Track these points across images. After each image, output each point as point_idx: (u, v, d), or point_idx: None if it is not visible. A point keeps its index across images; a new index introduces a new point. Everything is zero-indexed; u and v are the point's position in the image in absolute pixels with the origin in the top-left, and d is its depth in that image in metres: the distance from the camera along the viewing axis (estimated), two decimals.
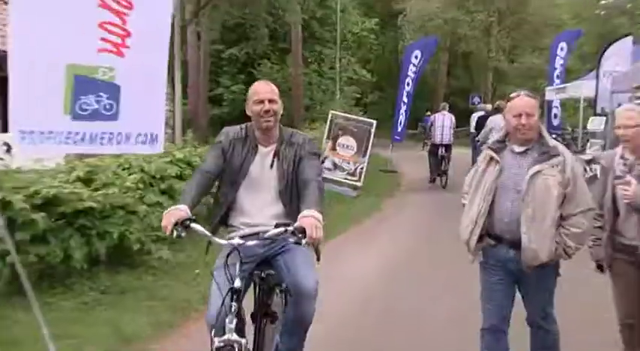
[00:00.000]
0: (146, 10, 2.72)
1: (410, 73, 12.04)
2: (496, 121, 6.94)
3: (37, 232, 2.99)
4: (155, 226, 3.69)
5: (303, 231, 1.59)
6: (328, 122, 9.10)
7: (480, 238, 2.11)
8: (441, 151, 9.94)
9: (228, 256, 1.73)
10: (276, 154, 1.99)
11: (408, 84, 12.12)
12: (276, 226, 1.75)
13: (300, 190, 1.92)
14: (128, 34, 2.57)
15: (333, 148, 8.95)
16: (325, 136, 9.02)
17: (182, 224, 1.64)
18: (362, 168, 8.90)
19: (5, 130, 2.70)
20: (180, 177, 4.64)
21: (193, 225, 1.68)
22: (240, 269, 1.74)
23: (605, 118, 8.88)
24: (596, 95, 9.68)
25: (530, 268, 2.02)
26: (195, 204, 1.83)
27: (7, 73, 2.20)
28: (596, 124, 9.42)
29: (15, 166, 3.62)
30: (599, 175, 2.53)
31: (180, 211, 1.70)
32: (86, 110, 2.47)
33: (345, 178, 8.88)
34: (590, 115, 10.22)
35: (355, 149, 8.89)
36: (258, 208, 1.97)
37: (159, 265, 4.04)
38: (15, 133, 2.28)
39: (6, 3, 4.88)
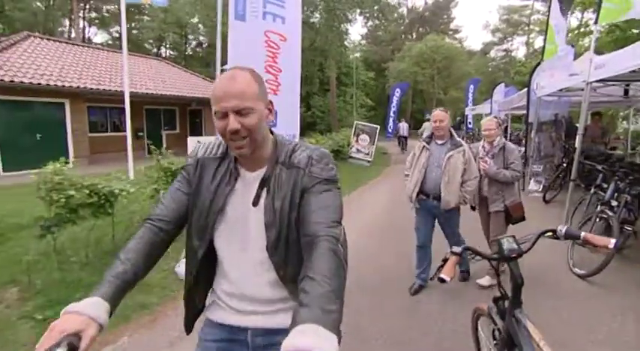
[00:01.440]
0: (289, 46, 3.90)
1: (394, 100, 22.00)
2: (427, 126, 14.88)
3: None
4: None
5: None
6: (354, 127, 15.81)
7: (418, 195, 3.44)
8: (403, 139, 20.20)
9: None
10: (264, 182, 1.13)
11: (393, 107, 22.03)
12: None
13: (303, 250, 1.03)
14: (279, 71, 3.81)
15: (357, 141, 14.77)
16: (352, 134, 15.58)
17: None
18: (372, 151, 14.50)
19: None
20: None
21: None
22: None
23: None
24: (490, 111, 14.67)
25: (445, 210, 3.34)
26: (127, 283, 0.99)
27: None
28: None
29: None
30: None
31: (73, 317, 0.84)
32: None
33: (364, 157, 14.50)
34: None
35: (368, 141, 14.64)
36: (244, 272, 1.15)
37: None
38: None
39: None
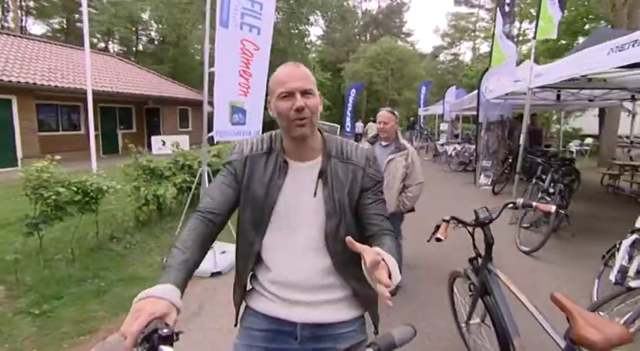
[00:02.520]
0: (260, 55, 4.34)
1: (350, 100, 22.78)
2: (371, 126, 15.78)
3: None
4: None
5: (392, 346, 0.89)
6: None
7: None
8: (358, 136, 20.92)
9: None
10: (322, 174, 1.21)
11: (348, 107, 22.81)
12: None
13: (363, 238, 1.14)
14: (251, 76, 4.27)
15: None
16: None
17: (150, 340, 0.77)
18: None
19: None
20: None
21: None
22: None
23: (447, 124, 17.25)
24: (443, 113, 16.78)
25: None
26: (190, 272, 1.02)
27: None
28: (444, 126, 19.09)
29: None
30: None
31: (157, 301, 0.84)
32: (236, 120, 4.31)
33: None
34: (440, 122, 19.99)
35: None
36: (292, 259, 1.20)
37: None
38: (215, 131, 4.14)
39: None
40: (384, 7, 43.91)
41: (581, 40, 13.86)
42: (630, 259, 3.09)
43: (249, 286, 1.29)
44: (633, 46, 3.07)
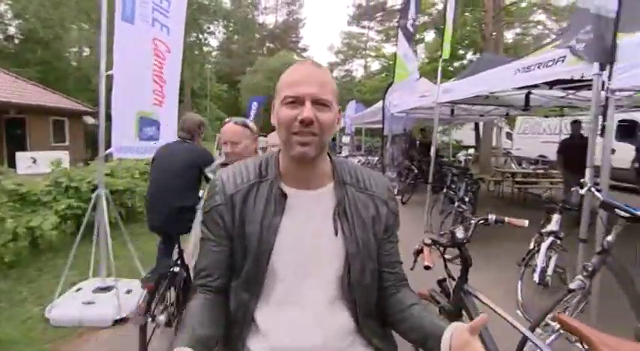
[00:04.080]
0: (172, 59, 3.80)
1: (252, 114, 22.35)
2: (262, 140, 15.70)
3: None
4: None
5: None
6: (217, 140, 16.11)
7: None
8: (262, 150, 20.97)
9: None
10: (339, 206, 0.96)
11: (251, 119, 22.32)
12: None
13: (381, 289, 1.00)
14: (165, 82, 3.70)
15: (220, 154, 17.09)
16: (215, 148, 14.29)
17: None
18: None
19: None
20: None
21: None
22: None
23: (349, 136, 18.29)
24: (344, 125, 16.29)
25: None
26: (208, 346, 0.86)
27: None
28: (346, 139, 19.01)
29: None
30: None
31: None
32: (147, 135, 3.66)
33: None
34: (342, 135, 20.05)
35: None
36: (302, 319, 0.93)
37: None
38: (114, 148, 3.45)
39: None
40: (281, 21, 44.75)
41: (455, 63, 15.90)
42: (548, 259, 3.37)
43: None
44: (538, 67, 3.41)
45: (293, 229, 0.94)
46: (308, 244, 0.94)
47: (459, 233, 1.82)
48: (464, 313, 1.93)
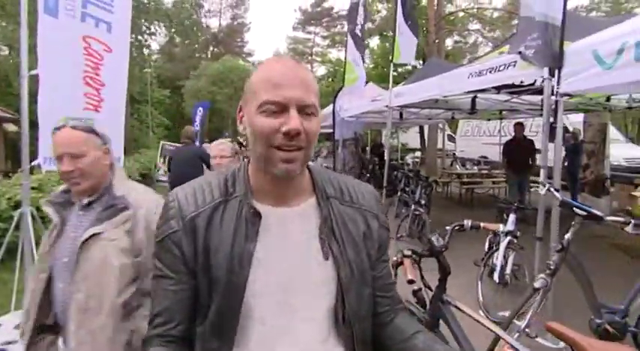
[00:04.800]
0: (115, 59, 3.37)
1: (197, 120, 21.49)
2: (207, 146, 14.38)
3: None
4: None
5: None
6: (160, 148, 14.81)
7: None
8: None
9: None
10: (325, 224, 0.81)
11: (196, 126, 21.44)
12: None
13: (379, 317, 0.87)
14: (103, 85, 3.25)
15: (164, 163, 13.53)
16: (159, 156, 14.42)
17: None
18: None
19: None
20: None
21: None
22: None
23: None
24: None
25: None
26: None
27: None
28: None
29: None
30: None
31: None
32: None
33: None
34: None
35: None
36: None
37: None
38: (41, 158, 3.05)
39: None
40: (225, 25, 43.73)
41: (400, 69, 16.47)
42: (506, 258, 3.46)
43: None
44: (490, 72, 3.50)
45: (271, 256, 0.78)
46: (291, 273, 0.78)
47: (437, 241, 1.73)
48: (442, 322, 1.85)
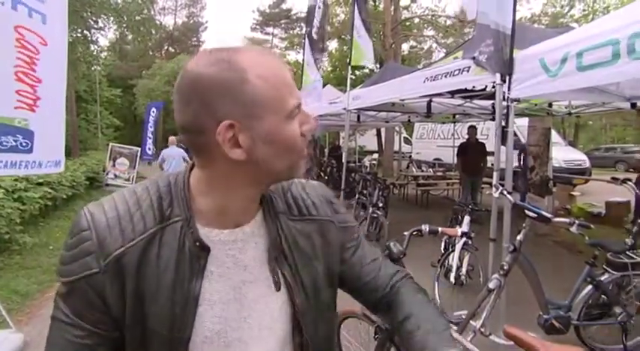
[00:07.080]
0: (51, 53, 3.15)
1: (150, 120, 20.51)
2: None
3: None
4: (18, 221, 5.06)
5: None
6: (109, 150, 13.51)
7: None
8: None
9: None
10: (274, 249, 0.71)
11: (149, 127, 20.52)
12: None
13: (376, 309, 0.85)
14: (39, 81, 3.03)
15: (114, 166, 13.06)
16: (108, 158, 13.31)
17: None
18: (133, 176, 12.95)
19: None
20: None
21: None
22: None
23: None
24: None
25: None
26: None
27: None
28: None
29: None
30: None
31: None
32: (6, 146, 2.84)
33: (123, 183, 12.30)
34: None
35: (128, 165, 13.23)
36: None
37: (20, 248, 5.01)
38: None
39: None
40: (180, 24, 42.30)
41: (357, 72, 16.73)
42: (461, 259, 3.54)
43: None
44: (445, 76, 3.58)
45: (219, 296, 0.65)
46: (243, 314, 0.67)
47: (395, 248, 1.70)
48: None
